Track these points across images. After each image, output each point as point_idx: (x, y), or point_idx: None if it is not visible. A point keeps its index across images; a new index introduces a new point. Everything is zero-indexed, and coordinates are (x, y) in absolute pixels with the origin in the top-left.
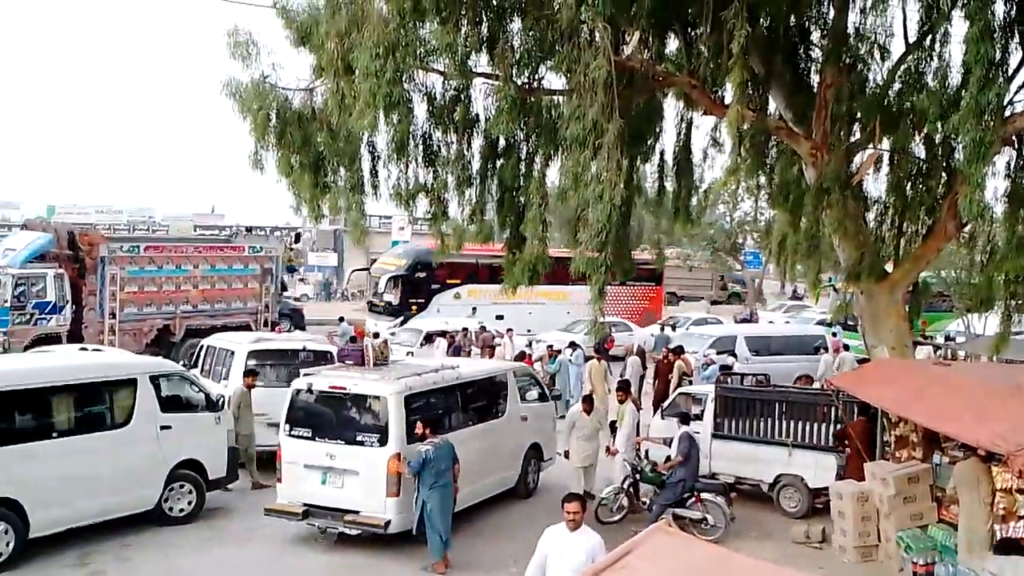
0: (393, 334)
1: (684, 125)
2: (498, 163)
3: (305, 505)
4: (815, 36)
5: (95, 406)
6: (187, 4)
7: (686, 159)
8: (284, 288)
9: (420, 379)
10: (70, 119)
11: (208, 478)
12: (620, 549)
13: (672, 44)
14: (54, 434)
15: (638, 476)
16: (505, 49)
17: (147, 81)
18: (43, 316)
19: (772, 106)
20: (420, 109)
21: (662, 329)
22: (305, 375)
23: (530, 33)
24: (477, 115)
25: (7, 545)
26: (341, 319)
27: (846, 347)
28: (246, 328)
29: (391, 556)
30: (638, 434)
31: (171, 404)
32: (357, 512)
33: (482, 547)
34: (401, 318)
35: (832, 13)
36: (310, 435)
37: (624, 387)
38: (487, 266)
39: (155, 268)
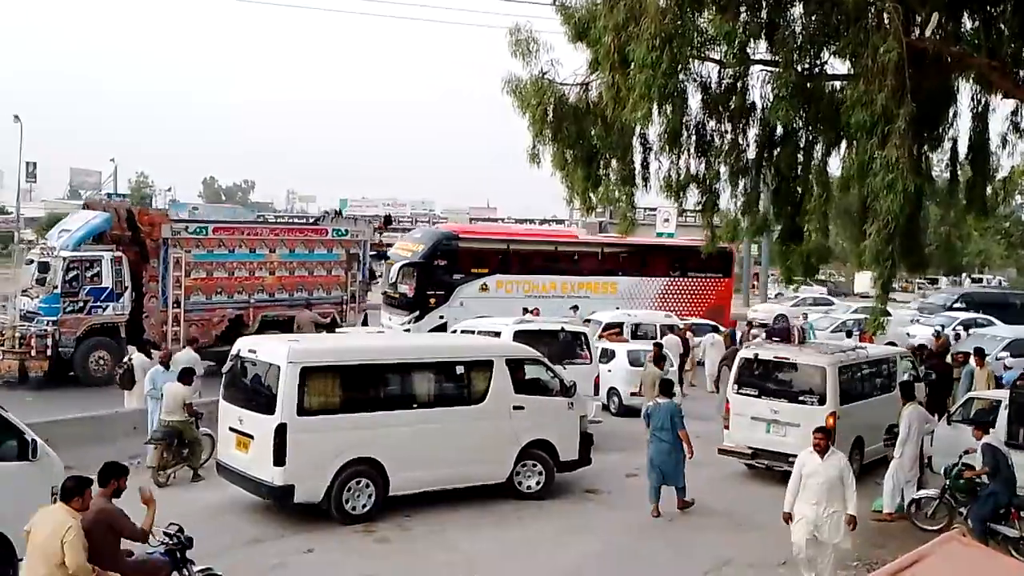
0: (407, 331)
1: (980, 109)
2: (774, 152)
3: (751, 448)
4: None
5: (453, 383)
6: (468, 5)
7: (981, 146)
8: (373, 276)
9: (844, 355)
10: (361, 119)
11: (559, 460)
12: (910, 555)
13: (968, 23)
14: (414, 405)
15: (948, 483)
16: (786, 35)
17: (433, 80)
18: (98, 304)
19: None
20: (694, 100)
21: (942, 328)
22: (747, 347)
23: (812, 17)
24: (753, 103)
25: (369, 498)
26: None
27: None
28: (330, 319)
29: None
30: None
31: (525, 387)
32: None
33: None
34: (417, 312)
35: None
36: (756, 394)
37: (904, 390)
38: (518, 252)
39: (226, 252)
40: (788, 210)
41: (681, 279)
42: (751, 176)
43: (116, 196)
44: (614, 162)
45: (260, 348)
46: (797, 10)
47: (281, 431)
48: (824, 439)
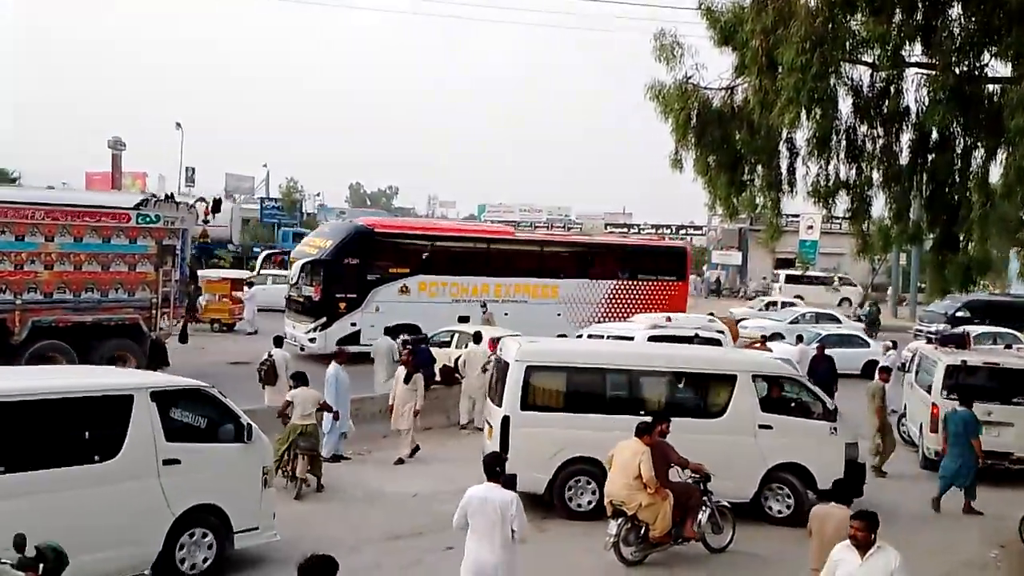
0: (314, 340)
1: None
2: (929, 158)
3: None
4: None
5: (688, 393)
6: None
7: None
8: (194, 275)
9: None
10: (503, 122)
11: (816, 487)
12: None
13: None
14: (641, 411)
15: None
16: (943, 37)
17: (571, 88)
18: None
19: None
20: (844, 104)
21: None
22: (950, 354)
23: (972, 18)
24: (907, 107)
25: (593, 495)
26: (711, 314)
27: None
28: (133, 326)
29: None
30: None
31: (777, 405)
32: (1011, 454)
33: None
34: (324, 319)
35: None
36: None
37: None
38: (445, 250)
39: None
40: (943, 218)
41: (630, 282)
42: (903, 183)
43: (268, 200)
44: (759, 167)
45: (505, 347)
46: (955, 11)
47: (505, 423)
48: (866, 529)
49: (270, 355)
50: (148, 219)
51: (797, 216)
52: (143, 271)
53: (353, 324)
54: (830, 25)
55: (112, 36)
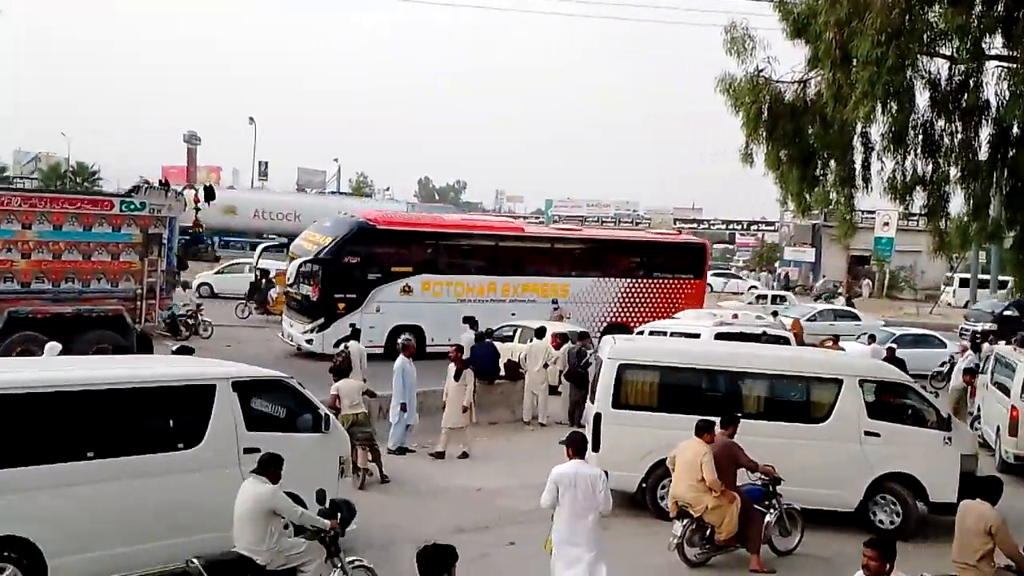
0: (311, 341)
1: None
2: (1009, 153)
3: None
4: None
5: (787, 397)
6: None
7: None
8: (183, 264)
9: None
10: (568, 118)
11: (928, 499)
12: None
13: None
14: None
15: None
16: None
17: (637, 79)
18: None
19: None
20: (921, 97)
21: None
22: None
23: None
24: (987, 101)
25: None
26: (775, 314)
27: None
28: (117, 318)
29: None
30: None
31: (886, 412)
32: None
33: None
34: (322, 319)
35: None
36: None
37: None
38: (450, 247)
39: None
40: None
41: (645, 280)
42: (983, 178)
43: (338, 194)
44: (832, 162)
45: (601, 344)
46: None
47: (596, 420)
48: (878, 559)
49: (346, 347)
50: (132, 206)
51: (872, 212)
52: (127, 260)
53: (352, 325)
54: (907, 17)
55: (179, 36)
